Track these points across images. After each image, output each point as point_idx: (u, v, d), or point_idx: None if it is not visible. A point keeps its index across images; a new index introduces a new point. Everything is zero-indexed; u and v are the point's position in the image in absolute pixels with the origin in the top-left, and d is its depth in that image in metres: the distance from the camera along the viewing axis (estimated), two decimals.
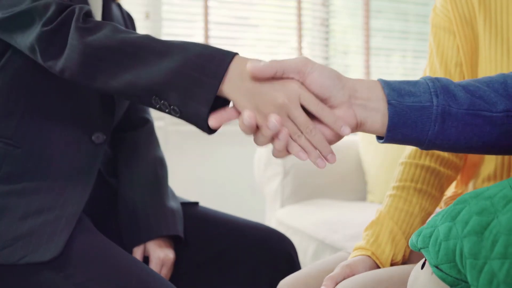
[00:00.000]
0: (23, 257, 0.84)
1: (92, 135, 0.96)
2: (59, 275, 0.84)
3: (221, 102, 0.68)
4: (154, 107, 0.70)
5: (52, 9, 0.79)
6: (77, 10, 0.79)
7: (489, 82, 0.66)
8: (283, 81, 0.65)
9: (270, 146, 0.67)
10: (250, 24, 2.68)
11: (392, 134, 0.65)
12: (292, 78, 0.65)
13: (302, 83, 0.65)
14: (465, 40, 0.88)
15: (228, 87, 0.66)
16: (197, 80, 0.66)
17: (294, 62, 0.65)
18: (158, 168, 1.11)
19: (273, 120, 0.63)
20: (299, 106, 0.64)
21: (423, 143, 0.65)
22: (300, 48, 2.69)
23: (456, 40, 0.89)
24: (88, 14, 0.81)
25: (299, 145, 0.66)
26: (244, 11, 2.64)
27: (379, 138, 0.68)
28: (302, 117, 0.65)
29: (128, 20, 1.16)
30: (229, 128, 2.55)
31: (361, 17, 2.87)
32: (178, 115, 0.69)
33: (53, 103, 0.93)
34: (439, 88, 0.64)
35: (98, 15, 1.01)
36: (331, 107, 0.65)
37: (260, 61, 0.65)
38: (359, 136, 2.19)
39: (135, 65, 0.70)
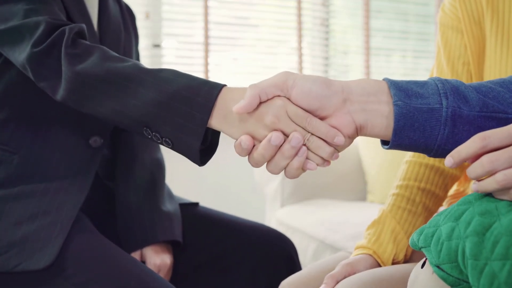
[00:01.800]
0: (18, 265, 0.83)
1: (90, 139, 0.95)
2: (59, 276, 0.84)
3: (212, 131, 0.69)
4: (147, 138, 0.70)
5: (41, 28, 0.79)
6: (67, 32, 0.78)
7: (502, 83, 0.61)
8: (268, 101, 0.63)
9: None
10: (250, 24, 2.68)
11: (398, 139, 0.60)
12: (278, 96, 0.62)
13: (289, 99, 0.62)
14: (472, 39, 0.88)
15: (216, 121, 0.65)
16: (186, 113, 0.65)
17: (273, 80, 0.62)
18: (155, 171, 1.10)
19: (297, 136, 0.61)
20: (290, 120, 0.62)
21: (432, 148, 0.60)
22: (300, 48, 2.69)
23: (463, 39, 0.89)
24: (80, 34, 0.81)
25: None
26: (244, 11, 2.64)
27: (384, 143, 0.65)
28: (297, 130, 0.62)
29: (128, 15, 1.15)
30: None
31: (361, 17, 2.87)
32: (170, 146, 0.68)
33: (49, 109, 0.92)
34: (448, 89, 0.59)
35: (94, 13, 1.00)
36: (325, 117, 0.62)
37: (243, 97, 0.62)
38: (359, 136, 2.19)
39: (122, 96, 0.70)
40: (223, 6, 2.58)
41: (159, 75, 0.69)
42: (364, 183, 2.21)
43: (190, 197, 1.23)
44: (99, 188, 1.05)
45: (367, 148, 2.16)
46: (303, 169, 0.64)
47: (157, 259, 1.00)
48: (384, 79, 0.63)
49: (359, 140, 2.20)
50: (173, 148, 0.68)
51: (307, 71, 2.75)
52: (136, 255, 1.02)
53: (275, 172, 0.64)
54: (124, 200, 1.04)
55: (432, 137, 0.59)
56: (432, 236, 0.52)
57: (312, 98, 0.61)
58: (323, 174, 2.10)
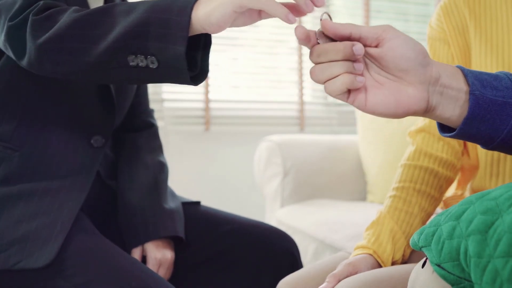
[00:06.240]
0: (18, 262, 0.83)
1: (91, 139, 0.95)
2: (59, 277, 0.84)
3: (204, 42, 0.69)
4: (131, 71, 0.69)
5: (18, 4, 0.78)
6: (41, 5, 0.77)
7: None
8: None
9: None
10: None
11: (467, 128, 0.59)
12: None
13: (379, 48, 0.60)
14: (458, 49, 0.93)
15: (202, 9, 0.65)
16: (166, 21, 0.65)
17: (373, 27, 0.60)
18: (158, 173, 1.11)
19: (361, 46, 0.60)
20: None
21: (494, 141, 0.60)
22: (300, 48, 2.69)
23: (450, 49, 0.94)
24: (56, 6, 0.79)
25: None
26: None
27: (443, 131, 0.64)
28: None
29: None
30: (229, 128, 2.56)
31: (361, 17, 2.87)
32: (155, 65, 0.67)
33: (51, 107, 0.93)
34: None
35: None
36: (405, 83, 0.60)
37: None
38: (359, 136, 2.19)
39: (100, 33, 0.70)
40: None
41: (136, 2, 0.70)
42: (364, 183, 2.21)
43: (190, 197, 1.23)
44: (100, 188, 1.05)
45: (367, 148, 2.16)
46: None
47: (158, 254, 1.01)
48: (457, 66, 0.62)
49: (359, 140, 2.20)
50: (159, 67, 0.67)
51: (307, 71, 2.75)
52: (137, 250, 1.02)
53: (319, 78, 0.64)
54: (127, 199, 1.05)
55: (499, 130, 0.59)
56: (433, 235, 0.52)
57: (406, 58, 0.59)
58: (323, 174, 2.10)
